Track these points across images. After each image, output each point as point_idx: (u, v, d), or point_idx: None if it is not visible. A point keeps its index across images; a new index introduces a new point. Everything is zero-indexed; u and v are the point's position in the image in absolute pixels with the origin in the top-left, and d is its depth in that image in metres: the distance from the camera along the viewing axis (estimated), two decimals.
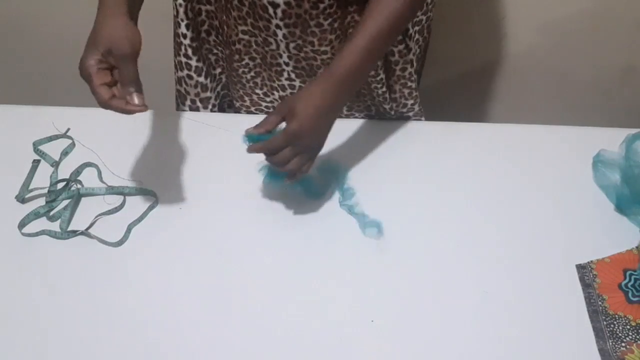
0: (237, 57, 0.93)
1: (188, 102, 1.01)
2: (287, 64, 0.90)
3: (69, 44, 1.41)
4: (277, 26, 0.84)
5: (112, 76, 0.69)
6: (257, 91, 0.98)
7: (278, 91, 0.96)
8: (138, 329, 0.72)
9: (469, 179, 0.89)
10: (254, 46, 0.90)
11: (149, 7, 1.31)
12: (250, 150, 0.76)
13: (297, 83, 0.94)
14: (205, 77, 0.99)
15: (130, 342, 0.71)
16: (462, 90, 1.41)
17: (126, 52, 0.67)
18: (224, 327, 0.72)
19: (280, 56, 0.89)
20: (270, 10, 0.81)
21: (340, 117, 1.00)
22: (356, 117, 1.00)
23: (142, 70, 1.39)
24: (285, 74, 0.92)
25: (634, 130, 0.83)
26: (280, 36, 0.85)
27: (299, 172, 0.77)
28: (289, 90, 0.95)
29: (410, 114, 0.99)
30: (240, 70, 0.95)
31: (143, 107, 0.67)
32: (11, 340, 0.71)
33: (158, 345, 0.71)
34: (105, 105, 0.67)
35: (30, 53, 1.46)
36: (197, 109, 1.01)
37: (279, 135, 0.74)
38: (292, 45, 0.87)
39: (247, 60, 0.93)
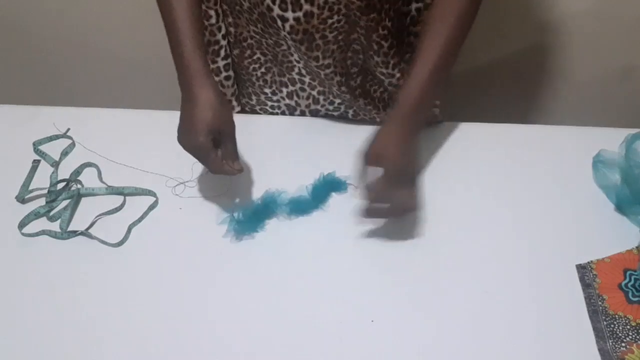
0: (248, 52, 0.93)
1: None
2: (298, 62, 0.91)
3: (70, 44, 1.41)
4: (285, 37, 0.85)
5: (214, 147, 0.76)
6: (266, 90, 0.98)
7: (287, 86, 0.96)
8: (138, 328, 0.72)
9: (468, 179, 0.89)
10: (265, 45, 0.91)
11: (149, 6, 1.31)
12: (370, 215, 0.78)
13: (306, 79, 0.94)
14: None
15: (130, 342, 0.71)
16: (462, 90, 1.41)
17: (232, 131, 0.77)
18: (224, 327, 0.72)
19: (292, 55, 0.90)
20: (279, 23, 0.82)
21: (348, 120, 1.00)
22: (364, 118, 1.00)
23: (143, 70, 1.39)
24: (296, 69, 0.93)
25: (634, 130, 0.83)
26: (289, 42, 0.86)
27: (413, 203, 0.78)
28: (298, 85, 0.95)
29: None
30: (251, 68, 0.95)
31: (242, 170, 0.78)
32: (11, 340, 0.71)
33: (158, 345, 0.71)
34: (220, 172, 0.76)
35: (30, 53, 1.46)
36: None
37: (380, 183, 0.75)
38: (301, 49, 0.87)
39: (258, 55, 0.93)
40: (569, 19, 1.23)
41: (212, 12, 0.88)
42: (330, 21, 0.82)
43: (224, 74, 0.95)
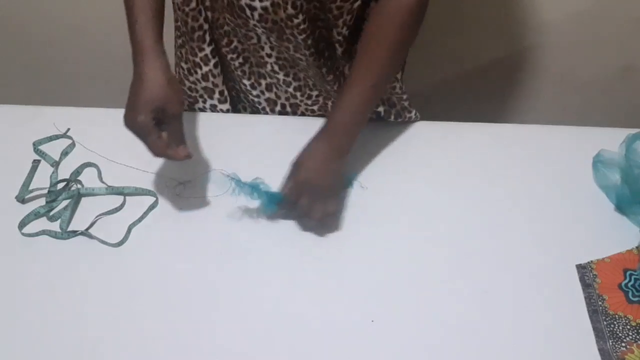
0: (225, 40, 0.91)
1: (217, 95, 0.99)
2: (269, 56, 0.90)
3: (70, 44, 1.41)
4: (255, 26, 0.84)
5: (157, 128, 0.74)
6: (245, 81, 0.97)
7: (265, 78, 0.96)
8: (138, 329, 0.72)
9: (468, 179, 0.89)
10: (239, 36, 0.90)
11: None
12: (270, 214, 0.82)
13: (280, 76, 0.93)
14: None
15: (130, 342, 0.71)
16: (462, 90, 1.41)
17: (178, 112, 0.75)
18: (224, 327, 0.72)
19: (263, 48, 0.89)
20: (248, 12, 0.82)
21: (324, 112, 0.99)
22: None
23: None
24: (269, 66, 0.92)
25: (634, 130, 0.83)
26: (259, 31, 0.86)
27: (324, 214, 0.80)
28: (274, 79, 0.95)
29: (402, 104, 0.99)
30: (229, 57, 0.94)
31: (189, 156, 0.76)
32: (11, 340, 0.71)
33: (158, 345, 0.71)
34: (161, 154, 0.74)
35: (30, 53, 1.46)
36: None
37: (289, 186, 0.79)
38: (272, 39, 0.87)
39: (236, 43, 0.92)
40: (569, 19, 1.23)
41: None
42: (296, 20, 0.81)
43: (212, 61, 0.94)
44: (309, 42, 0.84)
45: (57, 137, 0.94)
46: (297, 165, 0.80)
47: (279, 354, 0.70)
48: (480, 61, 1.35)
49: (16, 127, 0.97)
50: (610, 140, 0.85)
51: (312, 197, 0.79)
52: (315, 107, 0.99)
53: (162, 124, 0.75)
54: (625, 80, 1.35)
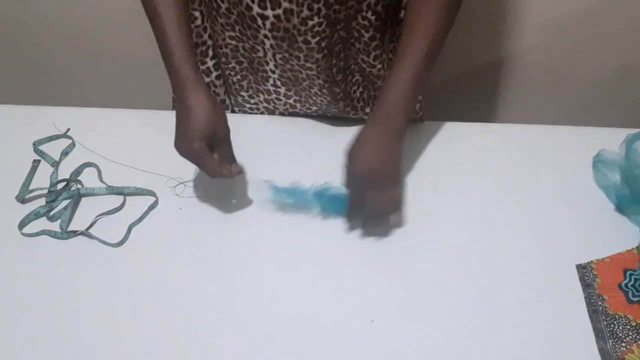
0: (223, 59, 0.93)
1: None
2: (273, 72, 0.90)
3: (70, 44, 1.41)
4: (265, 36, 0.84)
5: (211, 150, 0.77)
6: (243, 93, 0.97)
7: (264, 94, 0.96)
8: (138, 329, 0.72)
9: (468, 179, 0.89)
10: (242, 51, 0.90)
11: None
12: (352, 221, 0.82)
13: (282, 90, 0.93)
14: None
15: (130, 342, 0.71)
16: (462, 90, 1.41)
17: (227, 137, 0.78)
18: (224, 327, 0.72)
19: (267, 63, 0.89)
20: (259, 22, 0.81)
21: (344, 118, 1.00)
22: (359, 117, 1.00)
23: (143, 70, 1.39)
24: (271, 81, 0.92)
25: (634, 130, 0.83)
26: (267, 45, 0.85)
27: (395, 205, 0.79)
28: (274, 95, 0.95)
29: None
30: (227, 72, 0.95)
31: (242, 172, 0.79)
32: (11, 340, 0.71)
33: (158, 345, 0.71)
34: (217, 175, 0.77)
35: (30, 53, 1.46)
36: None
37: (349, 181, 0.78)
38: (278, 56, 0.87)
39: (233, 64, 0.93)
40: (569, 19, 1.23)
41: (197, 14, 0.88)
42: (310, 23, 0.80)
43: (214, 73, 0.95)
44: (323, 44, 0.84)
45: (57, 137, 0.94)
46: (353, 155, 0.77)
47: (279, 354, 0.70)
48: (480, 61, 1.35)
49: (16, 127, 0.97)
50: (610, 140, 0.85)
51: (377, 189, 0.76)
52: (314, 115, 0.99)
53: (213, 147, 0.77)
54: (625, 80, 1.34)
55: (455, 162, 0.91)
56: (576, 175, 0.88)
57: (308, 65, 0.87)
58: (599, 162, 0.86)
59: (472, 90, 1.41)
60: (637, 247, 0.79)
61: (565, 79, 1.37)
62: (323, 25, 0.81)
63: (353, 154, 0.78)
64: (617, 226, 0.83)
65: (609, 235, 0.81)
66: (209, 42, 0.91)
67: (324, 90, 0.91)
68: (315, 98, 0.93)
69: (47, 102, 1.03)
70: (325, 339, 0.71)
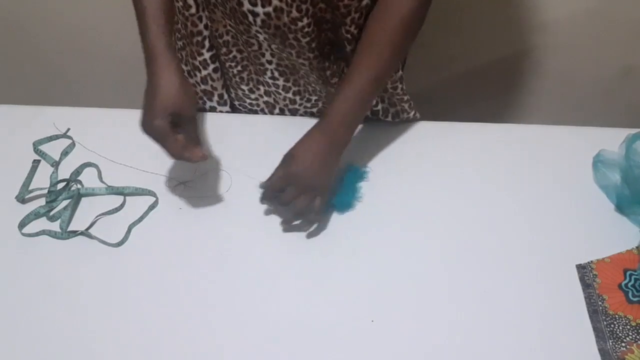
0: (224, 49, 0.92)
1: (216, 98, 0.99)
2: (269, 62, 0.90)
3: (70, 44, 1.41)
4: (257, 31, 0.84)
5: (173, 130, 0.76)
6: (243, 87, 0.97)
7: (263, 86, 0.96)
8: (138, 328, 0.72)
9: (468, 179, 0.89)
10: (240, 46, 0.90)
11: None
12: (263, 201, 0.82)
13: (280, 82, 0.93)
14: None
15: (130, 342, 0.71)
16: (462, 90, 1.41)
17: (192, 115, 0.76)
18: (224, 327, 0.72)
19: (263, 55, 0.89)
20: (250, 18, 0.81)
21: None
22: None
23: (142, 70, 1.39)
24: (269, 73, 0.92)
25: (634, 130, 0.83)
26: (261, 38, 0.85)
27: (308, 211, 0.79)
28: (273, 88, 0.95)
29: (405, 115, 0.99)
30: (227, 64, 0.94)
31: (205, 157, 0.76)
32: (11, 340, 0.71)
33: (158, 345, 0.71)
34: (179, 157, 0.75)
35: (30, 53, 1.46)
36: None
37: (279, 176, 0.78)
38: (273, 46, 0.87)
39: (234, 53, 0.92)
40: (569, 20, 1.23)
41: (191, 2, 0.86)
42: (300, 24, 0.81)
43: (211, 66, 0.93)
44: (313, 45, 0.84)
45: (57, 137, 0.94)
46: (290, 157, 0.79)
47: (279, 354, 0.70)
48: (480, 61, 1.35)
49: (16, 127, 0.97)
50: (610, 140, 0.85)
51: (299, 190, 0.78)
52: (314, 110, 0.99)
53: (177, 127, 0.76)
54: (625, 80, 1.35)
55: (454, 162, 0.91)
56: (576, 175, 0.88)
57: (300, 61, 0.87)
58: (599, 162, 0.86)
59: (472, 90, 1.41)
60: (637, 247, 0.79)
61: (565, 79, 1.37)
62: (312, 26, 0.82)
63: (290, 155, 0.79)
64: (617, 226, 0.83)
65: (609, 235, 0.81)
66: (205, 33, 0.90)
67: (320, 81, 0.91)
68: (314, 85, 0.93)
69: (47, 102, 1.03)
70: (325, 339, 0.71)
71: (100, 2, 1.31)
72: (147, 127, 0.75)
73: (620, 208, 0.84)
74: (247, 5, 0.80)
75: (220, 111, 1.00)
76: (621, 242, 0.80)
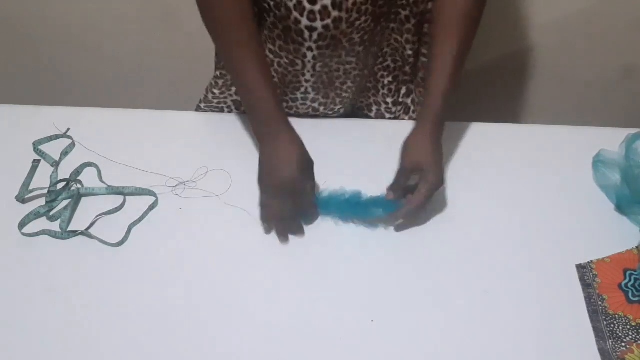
0: None
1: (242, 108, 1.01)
2: (307, 81, 0.91)
3: (70, 44, 1.41)
4: (309, 48, 0.84)
5: None
6: None
7: (287, 102, 0.96)
8: (138, 329, 0.72)
9: (468, 179, 0.89)
10: (276, 66, 0.90)
11: (149, 6, 1.31)
12: (400, 219, 0.82)
13: (310, 95, 0.94)
14: None
15: (130, 342, 0.71)
16: (461, 90, 1.41)
17: (311, 187, 0.80)
18: (224, 327, 0.72)
19: (303, 75, 0.90)
20: (306, 34, 0.82)
21: (342, 117, 1.00)
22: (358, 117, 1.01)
23: (142, 70, 1.38)
24: (302, 89, 0.93)
25: (634, 130, 0.83)
26: (309, 57, 0.86)
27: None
28: (300, 102, 0.95)
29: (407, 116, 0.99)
30: None
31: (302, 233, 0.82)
32: (11, 340, 0.71)
33: (158, 345, 0.71)
34: (310, 218, 0.82)
35: (30, 53, 1.46)
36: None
37: (428, 188, 0.79)
38: (319, 64, 0.87)
39: None
40: (569, 19, 1.23)
41: None
42: (357, 23, 0.82)
43: None
44: (366, 37, 0.85)
45: (57, 137, 0.94)
46: (419, 167, 0.79)
47: (278, 354, 0.70)
48: (481, 61, 1.35)
49: (16, 127, 0.97)
50: (610, 140, 0.85)
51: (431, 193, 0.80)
52: (334, 115, 1.00)
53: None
54: (625, 80, 1.35)
55: (453, 162, 0.91)
56: (576, 175, 0.88)
57: (348, 59, 0.88)
58: (599, 162, 0.86)
59: (471, 90, 1.41)
60: (637, 247, 0.79)
61: (565, 79, 1.37)
62: (369, 22, 0.83)
63: (429, 171, 0.80)
64: (617, 226, 0.83)
65: (609, 235, 0.81)
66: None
67: (357, 79, 0.92)
68: (344, 94, 0.94)
69: (47, 102, 1.03)
70: (325, 339, 0.71)
71: (100, 2, 1.31)
72: (297, 184, 0.79)
73: (620, 208, 0.84)
74: (305, 22, 0.80)
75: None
76: (621, 242, 0.80)
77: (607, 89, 1.37)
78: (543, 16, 1.23)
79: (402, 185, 0.81)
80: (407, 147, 0.81)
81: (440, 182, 0.80)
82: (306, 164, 0.79)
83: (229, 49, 0.79)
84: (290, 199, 0.79)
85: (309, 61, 0.87)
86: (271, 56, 0.89)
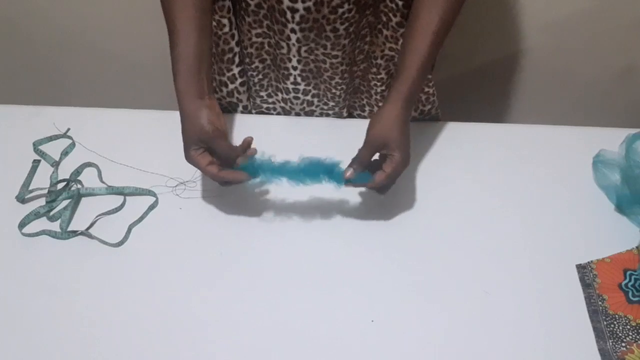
0: (247, 60, 0.93)
1: (240, 109, 1.01)
2: (294, 68, 0.91)
3: (70, 44, 1.41)
4: (292, 30, 0.85)
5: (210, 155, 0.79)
6: (262, 93, 0.98)
7: (282, 93, 0.97)
8: (138, 328, 0.72)
9: (468, 179, 0.89)
10: (267, 47, 0.91)
11: (149, 6, 1.30)
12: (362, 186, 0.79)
13: (301, 87, 0.94)
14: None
15: (130, 342, 0.71)
16: (461, 90, 1.41)
17: (219, 141, 0.77)
18: (224, 327, 0.72)
19: (290, 60, 0.90)
20: (288, 15, 0.82)
21: (340, 117, 1.00)
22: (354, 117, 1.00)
23: (143, 70, 1.39)
24: (292, 78, 0.93)
25: (634, 130, 0.83)
26: (293, 40, 0.86)
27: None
28: (292, 94, 0.96)
29: None
30: (249, 74, 0.96)
31: (247, 178, 0.78)
32: (11, 340, 0.71)
33: (158, 344, 0.71)
34: (216, 178, 0.77)
35: (30, 53, 1.46)
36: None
37: (394, 168, 0.76)
38: (303, 49, 0.87)
39: (257, 64, 0.94)
40: (569, 20, 1.23)
41: (225, 21, 0.88)
42: (340, 10, 0.82)
43: (238, 80, 0.95)
44: (351, 29, 0.85)
45: (57, 137, 0.94)
46: (386, 144, 0.76)
47: (278, 354, 0.70)
48: (480, 61, 1.35)
49: (16, 127, 0.97)
50: (610, 140, 0.85)
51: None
52: (330, 112, 1.00)
53: (211, 151, 0.78)
54: (625, 80, 1.35)
55: (454, 162, 0.91)
56: (576, 175, 0.88)
57: (334, 53, 0.88)
58: (599, 162, 0.86)
59: (471, 90, 1.41)
60: (637, 247, 0.79)
61: (565, 79, 1.37)
62: (353, 12, 0.83)
63: (400, 146, 0.77)
64: (617, 226, 0.83)
65: (609, 235, 0.81)
66: (236, 49, 0.92)
67: (345, 75, 0.92)
68: (334, 90, 0.94)
69: (47, 102, 1.03)
70: (325, 339, 0.71)
71: (100, 2, 1.31)
72: (188, 159, 0.78)
73: (620, 208, 0.84)
74: (286, 2, 0.81)
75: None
76: (621, 242, 0.80)
77: (607, 89, 1.37)
78: (543, 16, 1.23)
79: (364, 162, 0.77)
80: (375, 122, 0.78)
81: (406, 162, 0.77)
82: (198, 135, 0.77)
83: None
84: (205, 174, 0.78)
85: (294, 44, 0.86)
86: (260, 39, 0.90)
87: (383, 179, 0.76)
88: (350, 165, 0.77)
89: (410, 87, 0.77)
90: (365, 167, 0.77)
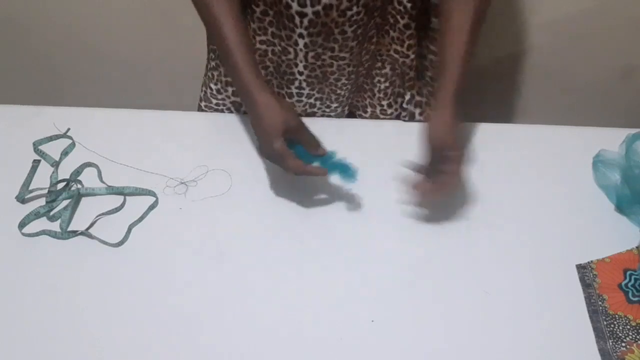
0: None
1: (243, 109, 1.01)
2: (300, 74, 0.91)
3: (70, 44, 1.41)
4: (300, 35, 0.85)
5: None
6: None
7: (285, 97, 0.96)
8: (138, 328, 0.72)
9: (469, 179, 0.88)
10: (270, 55, 0.91)
11: (149, 6, 1.31)
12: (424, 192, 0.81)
13: (305, 91, 0.94)
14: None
15: (130, 342, 0.71)
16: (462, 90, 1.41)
17: (301, 125, 0.78)
18: (224, 326, 0.72)
19: (296, 65, 0.90)
20: (297, 20, 0.82)
21: (340, 117, 1.00)
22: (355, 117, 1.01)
23: (143, 70, 1.39)
24: (297, 83, 0.93)
25: (634, 130, 0.83)
26: (300, 45, 0.86)
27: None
28: (295, 98, 0.95)
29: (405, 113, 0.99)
30: None
31: (325, 173, 0.79)
32: (11, 340, 0.71)
33: (158, 344, 0.71)
34: (302, 172, 0.78)
35: (30, 53, 1.46)
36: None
37: (459, 164, 0.78)
38: (311, 54, 0.88)
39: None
40: (569, 20, 1.23)
41: None
42: (349, 13, 0.82)
43: None
44: (359, 31, 0.85)
45: (57, 137, 0.94)
46: (444, 143, 0.78)
47: (278, 354, 0.70)
48: (480, 61, 1.35)
49: (16, 127, 0.97)
50: (610, 140, 0.85)
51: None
52: (332, 114, 1.00)
53: (293, 142, 0.78)
54: (625, 80, 1.35)
55: None
56: (576, 175, 0.88)
57: (342, 55, 0.88)
58: (599, 162, 0.86)
59: (471, 90, 1.41)
60: (637, 247, 0.79)
61: (565, 79, 1.37)
62: (361, 14, 0.83)
63: (440, 139, 0.79)
64: (617, 226, 0.83)
65: (609, 235, 0.81)
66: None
67: (352, 76, 0.92)
68: (339, 92, 0.94)
69: (47, 102, 1.03)
70: (326, 339, 0.71)
71: (100, 2, 1.31)
72: (269, 151, 0.78)
73: (620, 208, 0.84)
74: (295, 7, 0.81)
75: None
76: (621, 242, 0.80)
77: (607, 89, 1.37)
78: (543, 16, 1.23)
79: (427, 167, 0.80)
80: (431, 126, 0.80)
81: (466, 156, 0.79)
82: (282, 126, 0.77)
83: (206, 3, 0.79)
84: (284, 167, 0.78)
85: (301, 49, 0.87)
86: (264, 46, 0.90)
87: (454, 179, 0.78)
88: (416, 175, 0.80)
89: (457, 84, 0.80)
90: (428, 173, 0.80)
